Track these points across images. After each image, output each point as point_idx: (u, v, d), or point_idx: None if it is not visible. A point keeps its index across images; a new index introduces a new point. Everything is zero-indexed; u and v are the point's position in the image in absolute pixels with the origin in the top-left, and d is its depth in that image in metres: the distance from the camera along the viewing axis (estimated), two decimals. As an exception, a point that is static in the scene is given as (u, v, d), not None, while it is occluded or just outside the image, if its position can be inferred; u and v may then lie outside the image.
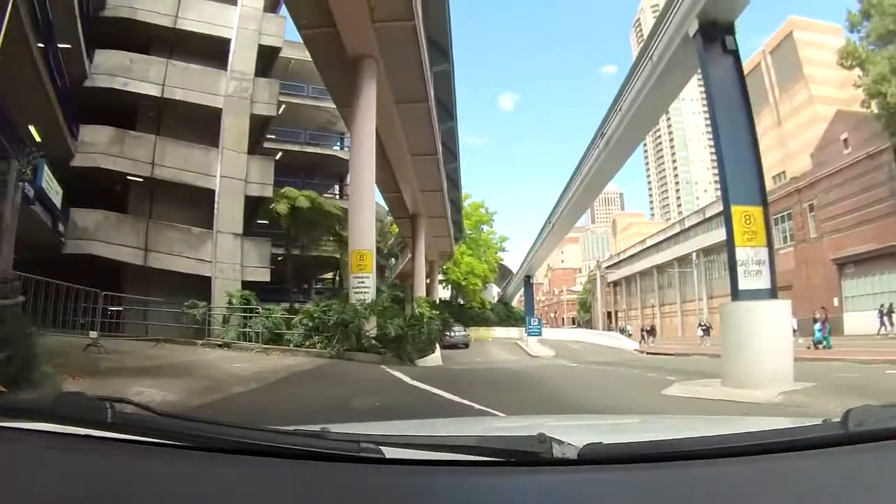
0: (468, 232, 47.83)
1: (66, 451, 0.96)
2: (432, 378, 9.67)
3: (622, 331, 43.40)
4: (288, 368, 9.86)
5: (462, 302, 51.30)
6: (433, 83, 16.93)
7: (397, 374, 10.04)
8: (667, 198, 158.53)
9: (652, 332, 35.25)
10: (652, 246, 55.13)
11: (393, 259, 46.01)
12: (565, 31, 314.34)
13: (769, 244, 8.65)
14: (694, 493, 0.88)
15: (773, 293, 8.41)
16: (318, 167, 29.36)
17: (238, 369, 8.94)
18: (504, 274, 61.81)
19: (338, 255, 28.61)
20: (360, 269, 13.22)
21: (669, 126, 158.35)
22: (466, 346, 27.24)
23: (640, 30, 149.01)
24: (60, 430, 0.99)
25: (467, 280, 46.89)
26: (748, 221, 8.52)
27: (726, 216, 8.80)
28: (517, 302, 68.57)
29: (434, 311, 13.41)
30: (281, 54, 23.54)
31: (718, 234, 43.05)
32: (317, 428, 1.12)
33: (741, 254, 8.42)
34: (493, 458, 0.94)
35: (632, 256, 57.81)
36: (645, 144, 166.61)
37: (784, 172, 37.09)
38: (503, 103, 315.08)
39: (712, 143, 10.44)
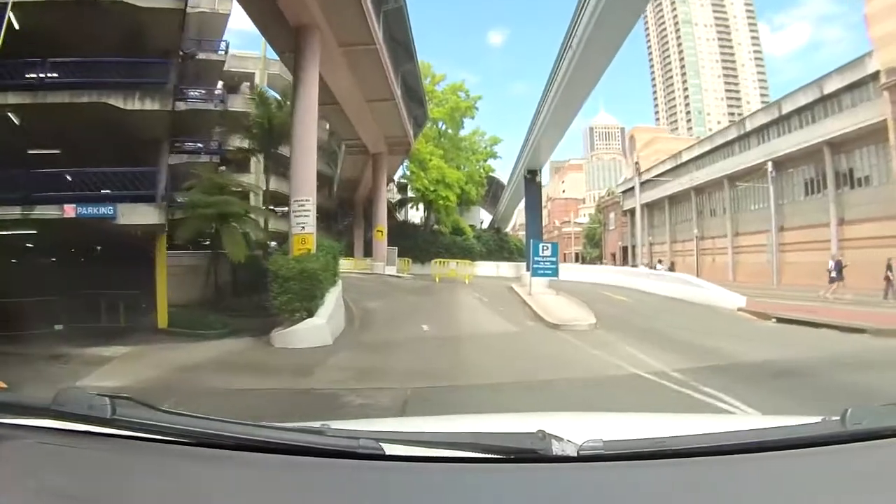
0: (443, 126, 33.42)
1: (67, 447, 0.94)
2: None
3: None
4: None
5: (438, 227, 37.59)
6: None
7: None
8: (676, 129, 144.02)
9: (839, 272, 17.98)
10: (689, 161, 41.54)
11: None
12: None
13: None
14: (692, 490, 0.86)
15: None
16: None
17: None
18: (497, 193, 47.48)
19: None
20: None
21: (681, 51, 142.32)
22: None
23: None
24: (61, 426, 0.96)
25: (436, 192, 32.62)
26: None
27: None
28: (514, 230, 55.21)
29: None
30: None
31: (796, 138, 29.55)
32: (317, 425, 1.10)
33: None
34: (492, 455, 0.94)
35: (661, 175, 44.17)
36: (653, 71, 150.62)
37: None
38: (492, 39, 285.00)
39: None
